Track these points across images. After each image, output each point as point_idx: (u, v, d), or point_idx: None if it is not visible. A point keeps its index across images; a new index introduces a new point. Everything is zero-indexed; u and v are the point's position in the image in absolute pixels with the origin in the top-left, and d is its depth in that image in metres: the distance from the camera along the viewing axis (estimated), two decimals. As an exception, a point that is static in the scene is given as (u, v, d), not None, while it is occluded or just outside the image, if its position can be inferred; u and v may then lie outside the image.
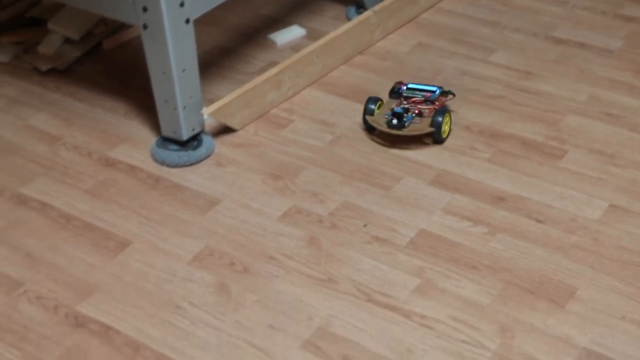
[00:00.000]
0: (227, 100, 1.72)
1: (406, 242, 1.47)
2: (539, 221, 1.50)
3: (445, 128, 1.68)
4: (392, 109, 1.70)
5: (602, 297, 1.35)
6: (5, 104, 1.89)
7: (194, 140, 1.70)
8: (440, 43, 2.02)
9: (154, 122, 1.79)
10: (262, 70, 1.93)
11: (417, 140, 1.69)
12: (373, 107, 1.72)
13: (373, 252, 1.45)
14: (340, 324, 1.33)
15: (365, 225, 1.51)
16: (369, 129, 1.73)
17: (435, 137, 1.68)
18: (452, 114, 1.73)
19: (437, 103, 1.73)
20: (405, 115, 1.68)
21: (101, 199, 1.60)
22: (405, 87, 1.77)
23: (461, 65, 1.94)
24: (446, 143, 1.69)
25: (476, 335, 1.30)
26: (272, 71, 1.80)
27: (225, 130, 1.76)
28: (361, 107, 1.80)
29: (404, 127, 1.67)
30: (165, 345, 1.31)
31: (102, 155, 1.71)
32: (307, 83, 1.89)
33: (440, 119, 1.67)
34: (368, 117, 1.72)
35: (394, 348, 1.28)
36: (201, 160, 1.68)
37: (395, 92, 1.77)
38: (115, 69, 1.99)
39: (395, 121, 1.67)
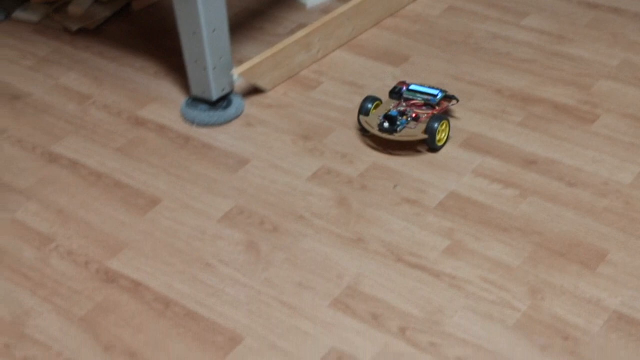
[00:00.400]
0: (257, 61, 1.72)
1: (436, 203, 1.46)
2: (570, 185, 1.49)
3: (441, 136, 1.57)
4: (388, 111, 1.60)
5: (633, 261, 1.34)
6: (36, 63, 1.89)
7: (224, 101, 1.70)
8: (472, 7, 2.00)
9: (183, 83, 1.79)
10: (292, 32, 1.92)
11: (410, 147, 1.59)
12: (370, 106, 1.61)
13: (403, 213, 1.45)
14: (369, 283, 1.33)
15: (395, 187, 1.50)
16: (363, 130, 1.62)
17: (429, 145, 1.56)
18: (452, 121, 1.63)
19: (437, 108, 1.61)
20: (399, 118, 1.57)
21: (131, 158, 1.60)
22: (406, 89, 1.65)
23: (493, 29, 1.92)
24: (477, 106, 1.68)
25: (506, 296, 1.29)
26: (302, 33, 1.80)
27: (254, 91, 1.76)
28: (392, 70, 1.79)
29: (395, 131, 1.56)
30: (195, 302, 1.31)
31: (132, 115, 1.72)
32: (337, 45, 1.88)
33: (435, 125, 1.54)
34: (362, 117, 1.61)
35: (424, 307, 1.28)
36: (231, 121, 1.68)
37: (395, 93, 1.65)
38: (145, 30, 1.99)
39: (387, 124, 1.56)
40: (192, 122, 1.67)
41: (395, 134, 1.56)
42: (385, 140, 1.59)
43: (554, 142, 1.58)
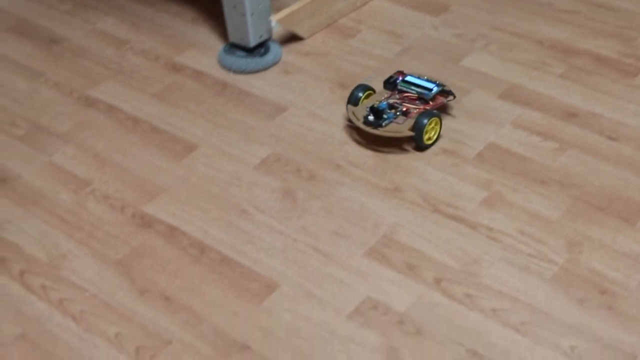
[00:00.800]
0: (295, 8, 1.70)
1: (474, 154, 1.45)
2: (611, 138, 1.47)
3: (429, 135, 1.45)
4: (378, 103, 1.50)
5: (674, 216, 1.33)
6: (73, 7, 1.89)
7: (261, 48, 1.68)
8: (514, -44, 1.97)
9: (221, 29, 1.78)
10: (331, -21, 1.90)
11: (395, 143, 1.48)
12: (360, 95, 1.50)
13: (440, 164, 1.43)
14: (405, 233, 1.32)
15: (432, 137, 1.49)
16: (349, 121, 1.52)
17: (416, 142, 1.45)
18: (443, 119, 1.50)
19: (431, 103, 1.49)
20: (386, 112, 1.46)
21: (168, 103, 1.60)
22: (401, 79, 1.53)
23: (535, -22, 1.89)
24: (517, 57, 1.65)
25: (543, 249, 1.28)
26: (342, -20, 1.78)
27: (292, 38, 1.74)
28: (430, 19, 1.77)
29: (380, 126, 1.45)
30: (231, 248, 1.32)
31: (169, 60, 1.71)
32: (377, -7, 1.85)
33: (424, 121, 1.43)
34: (349, 107, 1.50)
35: (460, 258, 1.28)
36: (268, 68, 1.66)
37: (390, 83, 1.53)
38: (183, -25, 1.97)
39: (371, 117, 1.46)
40: (229, 68, 1.66)
41: (379, 129, 1.45)
42: (370, 134, 1.48)
43: (595, 95, 1.56)
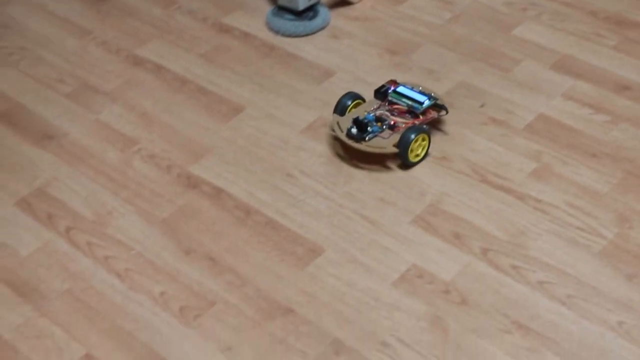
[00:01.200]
0: (346, -29, 1.68)
1: (524, 125, 1.43)
2: (664, 113, 1.44)
3: (417, 151, 1.35)
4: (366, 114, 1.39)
5: None
6: (122, -35, 1.88)
7: (310, 11, 1.67)
8: None
9: (269, -9, 1.77)
10: (382, -57, 1.88)
11: (379, 159, 1.38)
12: (348, 103, 1.40)
13: (489, 133, 1.42)
14: (452, 202, 1.31)
15: (481, 106, 1.47)
16: (333, 130, 1.40)
17: (402, 159, 1.35)
18: (432, 136, 1.38)
19: (421, 117, 1.39)
20: (371, 124, 1.36)
21: (215, 64, 1.59)
22: (393, 89, 1.43)
23: (590, -52, 1.85)
24: (569, 27, 1.62)
25: (592, 222, 1.27)
26: (393, -56, 1.75)
27: (341, 2, 1.72)
28: (482, -14, 1.74)
29: (364, 139, 1.35)
30: (276, 211, 1.31)
31: (217, 21, 1.70)
32: (427, -41, 1.83)
33: (411, 137, 1.32)
34: (335, 116, 1.40)
35: (507, 229, 1.26)
36: (316, 32, 1.65)
37: (381, 93, 1.43)
38: (232, -64, 1.96)
39: (355, 130, 1.36)
40: (277, 31, 1.65)
41: (363, 143, 1.35)
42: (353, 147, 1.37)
43: (649, 68, 1.53)
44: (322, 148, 1.41)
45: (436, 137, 1.41)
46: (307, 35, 1.64)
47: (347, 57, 1.59)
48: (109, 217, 1.33)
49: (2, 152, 1.45)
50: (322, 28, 1.66)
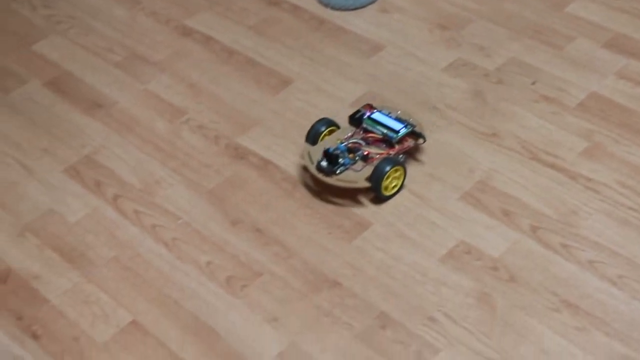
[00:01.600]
0: (397, -55, 1.66)
1: (576, 103, 1.41)
2: None
3: (391, 184, 1.26)
4: (338, 146, 1.29)
5: None
6: (172, -64, 1.88)
7: (360, -15, 1.65)
8: None
9: (319, -36, 1.75)
10: None
11: (351, 193, 1.28)
12: (322, 129, 1.31)
13: (540, 111, 1.40)
14: (502, 179, 1.29)
15: (533, 83, 1.45)
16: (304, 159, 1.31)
17: (375, 192, 1.26)
18: (408, 168, 1.28)
19: (396, 147, 1.29)
20: (342, 156, 1.26)
21: (265, 37, 1.58)
22: (368, 116, 1.32)
23: None
24: (624, 6, 1.59)
25: (644, 203, 1.25)
26: None
27: (391, -23, 1.71)
28: (535, -37, 1.71)
29: (334, 173, 1.26)
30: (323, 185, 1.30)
31: (266, -6, 1.69)
32: None
33: (385, 169, 1.23)
34: (306, 146, 1.30)
35: (557, 208, 1.25)
36: (366, 5, 1.63)
37: (355, 119, 1.33)
38: None
39: (324, 163, 1.27)
40: (327, 4, 1.64)
41: (333, 176, 1.26)
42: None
43: None
44: (370, 122, 1.40)
45: (486, 113, 1.39)
46: (356, 8, 1.63)
47: (397, 32, 1.57)
48: (156, 186, 1.33)
49: (52, 119, 1.46)
50: (372, 2, 1.64)
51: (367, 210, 1.26)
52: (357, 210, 1.26)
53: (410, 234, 1.23)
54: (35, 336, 1.15)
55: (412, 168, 1.31)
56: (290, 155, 1.35)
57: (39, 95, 1.50)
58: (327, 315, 1.14)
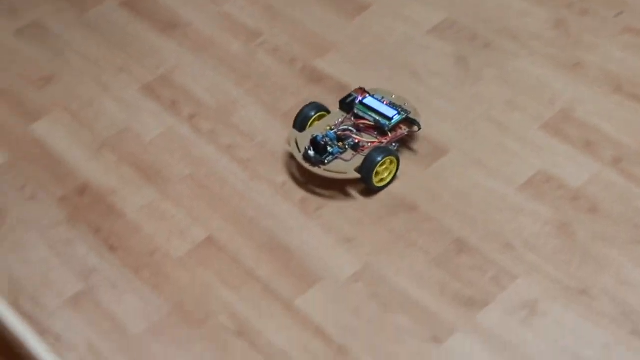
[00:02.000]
0: None
1: (662, 35, 1.37)
2: None
3: (383, 175, 1.18)
4: (326, 134, 1.21)
5: None
6: None
7: None
8: None
9: None
10: None
11: (340, 184, 1.20)
12: (311, 114, 1.23)
13: (624, 43, 1.36)
14: (584, 110, 1.26)
15: (617, 15, 1.41)
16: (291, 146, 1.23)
17: (366, 183, 1.19)
18: (401, 158, 1.20)
19: (389, 135, 1.22)
20: (331, 145, 1.19)
21: (341, -39, 1.56)
22: (360, 100, 1.25)
23: None
24: None
25: None
26: None
27: None
28: None
29: (322, 163, 1.19)
30: (400, 109, 1.29)
31: None
32: None
33: (377, 159, 1.15)
34: (293, 132, 1.23)
35: (641, 140, 1.22)
36: None
37: (346, 104, 1.25)
38: None
39: (312, 152, 1.21)
40: None
41: (321, 166, 1.19)
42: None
43: None
44: (449, 49, 1.37)
45: (569, 44, 1.36)
46: None
47: (478, -41, 1.53)
48: (232, 106, 1.32)
49: (127, 38, 1.46)
50: None
51: (445, 136, 1.24)
52: (435, 136, 1.24)
53: (488, 162, 1.21)
54: (112, 248, 1.15)
55: (492, 96, 1.29)
56: (367, 79, 1.33)
57: (115, 14, 1.50)
58: (402, 238, 1.13)
